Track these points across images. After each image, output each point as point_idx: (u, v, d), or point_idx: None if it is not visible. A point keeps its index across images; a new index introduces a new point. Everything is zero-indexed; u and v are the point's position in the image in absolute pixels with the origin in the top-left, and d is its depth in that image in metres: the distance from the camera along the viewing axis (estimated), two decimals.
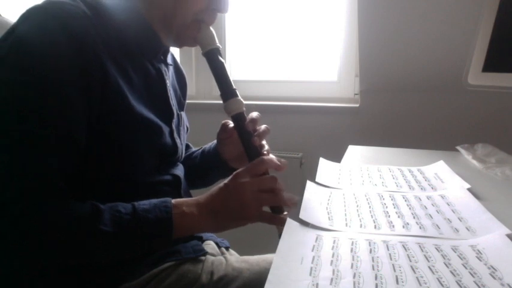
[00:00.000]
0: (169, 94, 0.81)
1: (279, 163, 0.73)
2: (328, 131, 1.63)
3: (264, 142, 0.80)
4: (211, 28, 0.77)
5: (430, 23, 1.34)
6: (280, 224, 0.70)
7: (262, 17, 1.82)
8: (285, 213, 0.72)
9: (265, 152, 0.78)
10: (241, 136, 0.77)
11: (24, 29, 0.62)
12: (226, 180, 0.70)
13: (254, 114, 0.80)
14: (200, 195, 0.72)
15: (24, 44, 0.61)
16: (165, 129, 0.77)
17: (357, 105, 1.60)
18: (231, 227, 0.70)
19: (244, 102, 0.79)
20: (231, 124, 0.86)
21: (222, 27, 1.80)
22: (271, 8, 1.80)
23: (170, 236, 0.65)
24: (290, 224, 0.58)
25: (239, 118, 0.76)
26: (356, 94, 1.67)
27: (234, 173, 0.70)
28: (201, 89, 1.86)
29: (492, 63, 0.87)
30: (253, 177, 0.70)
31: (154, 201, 0.66)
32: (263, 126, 0.80)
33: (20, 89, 0.60)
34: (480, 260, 0.48)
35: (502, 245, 0.51)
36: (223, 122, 0.89)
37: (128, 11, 0.73)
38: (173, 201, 0.67)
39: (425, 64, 1.42)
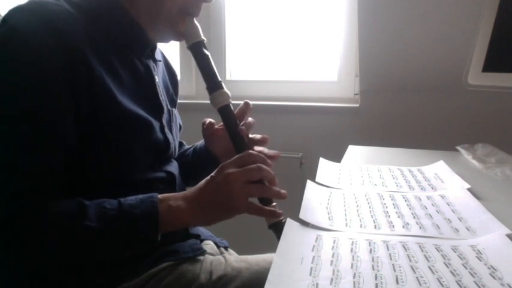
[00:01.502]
0: (158, 90, 0.81)
1: (265, 156, 0.72)
2: (328, 131, 1.63)
3: (258, 136, 0.80)
4: (195, 21, 0.77)
5: (430, 23, 1.34)
6: (269, 215, 0.69)
7: (262, 17, 1.82)
8: (274, 204, 0.71)
9: (255, 147, 0.77)
10: (227, 128, 0.77)
11: (7, 28, 0.62)
12: (213, 173, 0.69)
13: (242, 106, 0.80)
14: None
15: (7, 43, 0.61)
16: (155, 124, 0.77)
17: (357, 105, 1.60)
18: (219, 219, 0.69)
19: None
20: (208, 119, 0.87)
21: (222, 27, 1.80)
22: (271, 8, 1.80)
23: (157, 230, 0.64)
24: (290, 224, 0.58)
25: (225, 110, 0.76)
26: (356, 94, 1.66)
27: (221, 165, 0.69)
28: (201, 89, 1.86)
29: (492, 63, 0.87)
30: (239, 168, 0.69)
31: (140, 196, 0.66)
32: (249, 118, 0.80)
33: (4, 87, 0.60)
34: (480, 260, 0.48)
35: (502, 245, 0.51)
36: (203, 120, 0.89)
37: (112, 8, 0.73)
38: (160, 196, 0.67)
39: (425, 64, 1.42)
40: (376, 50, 1.46)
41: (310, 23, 1.75)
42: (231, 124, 0.76)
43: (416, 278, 0.44)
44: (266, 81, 1.82)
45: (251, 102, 0.83)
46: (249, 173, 0.68)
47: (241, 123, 0.77)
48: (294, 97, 1.74)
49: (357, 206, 0.66)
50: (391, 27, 1.39)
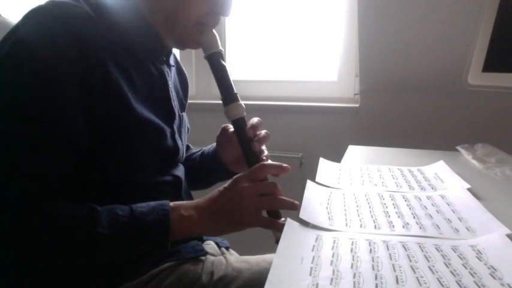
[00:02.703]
0: (171, 96, 0.81)
1: (280, 167, 0.72)
2: (328, 131, 1.63)
3: (263, 147, 0.80)
4: (214, 31, 0.77)
5: (430, 23, 1.34)
6: (278, 229, 0.70)
7: (263, 17, 1.82)
8: (283, 219, 0.72)
9: (264, 158, 0.78)
10: (240, 141, 0.77)
11: (26, 29, 0.62)
12: (226, 184, 0.70)
13: (255, 120, 0.80)
14: (200, 196, 0.72)
15: (25, 45, 0.61)
16: (167, 130, 0.77)
17: (357, 105, 1.60)
18: (229, 231, 0.70)
19: (243, 102, 0.79)
20: (232, 128, 0.86)
21: (222, 27, 1.80)
22: (272, 8, 1.80)
23: (167, 239, 0.65)
24: (290, 224, 0.58)
25: (239, 123, 0.77)
26: (356, 94, 1.67)
27: (234, 177, 0.70)
28: (201, 89, 1.86)
29: (492, 63, 0.87)
30: (253, 182, 0.70)
31: (152, 204, 0.66)
32: (263, 132, 0.80)
33: (20, 90, 0.60)
34: (480, 260, 0.48)
35: (502, 245, 0.51)
36: (223, 125, 0.89)
37: (131, 12, 0.73)
38: (171, 204, 0.67)
39: (425, 64, 1.42)
40: (376, 50, 1.46)
41: (310, 23, 1.75)
42: (244, 138, 0.76)
43: (416, 278, 0.44)
44: (266, 81, 1.82)
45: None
46: (262, 187, 0.69)
47: (255, 138, 0.77)
48: (294, 97, 1.75)
49: (357, 206, 0.66)
50: (391, 27, 1.39)
